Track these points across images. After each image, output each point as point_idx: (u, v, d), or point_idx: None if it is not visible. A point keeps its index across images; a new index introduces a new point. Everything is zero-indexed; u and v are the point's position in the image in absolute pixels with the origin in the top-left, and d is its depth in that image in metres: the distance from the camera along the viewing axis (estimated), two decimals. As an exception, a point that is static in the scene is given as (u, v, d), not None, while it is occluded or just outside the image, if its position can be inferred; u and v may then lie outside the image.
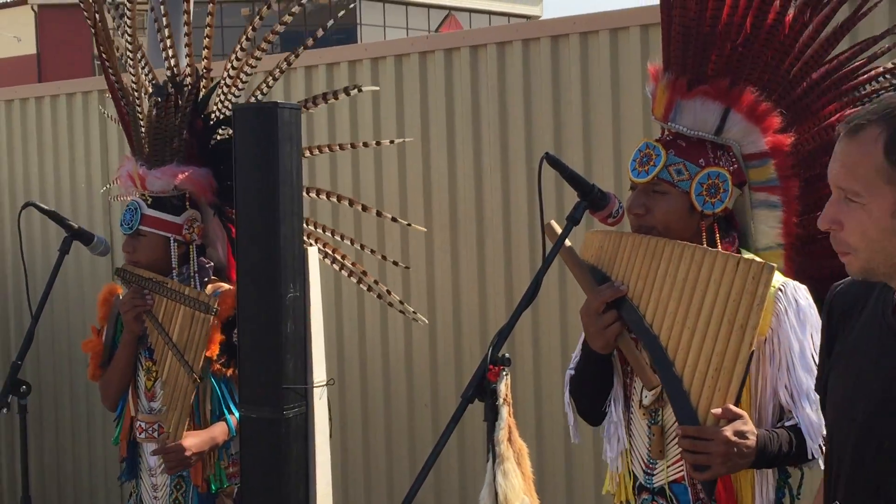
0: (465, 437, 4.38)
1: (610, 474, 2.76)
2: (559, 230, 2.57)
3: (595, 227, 2.85)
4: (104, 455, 5.42)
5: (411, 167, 4.55)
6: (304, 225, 3.51)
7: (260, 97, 3.69)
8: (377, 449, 4.73)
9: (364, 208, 3.87)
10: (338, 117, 4.73)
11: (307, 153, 3.72)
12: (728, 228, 2.67)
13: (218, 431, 3.49)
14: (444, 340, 4.53)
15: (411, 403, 4.63)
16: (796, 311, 2.47)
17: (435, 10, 38.06)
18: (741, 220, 2.71)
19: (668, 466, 2.61)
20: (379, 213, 3.91)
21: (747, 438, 2.31)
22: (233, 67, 3.64)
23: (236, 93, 3.66)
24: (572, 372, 2.76)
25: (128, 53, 3.70)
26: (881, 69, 2.73)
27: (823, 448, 2.23)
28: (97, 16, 3.66)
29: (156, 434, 3.54)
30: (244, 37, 3.64)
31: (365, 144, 3.95)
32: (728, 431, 2.30)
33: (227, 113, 3.64)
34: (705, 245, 2.56)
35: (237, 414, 3.43)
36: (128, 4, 3.71)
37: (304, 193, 3.62)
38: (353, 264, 3.86)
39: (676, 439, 2.56)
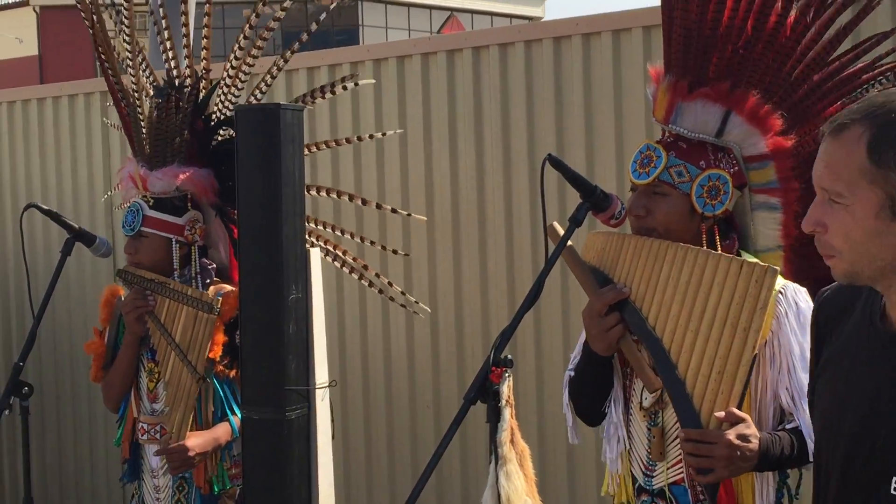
0: (468, 438, 4.37)
1: (610, 475, 2.76)
2: (561, 231, 2.57)
3: (598, 229, 2.84)
4: (106, 456, 5.42)
5: (413, 168, 4.55)
6: (306, 223, 3.51)
7: (259, 97, 3.70)
8: (379, 450, 4.73)
9: (364, 202, 3.88)
10: (340, 119, 4.73)
11: (308, 150, 3.72)
12: (728, 230, 2.67)
13: (221, 432, 3.49)
14: (446, 342, 4.52)
15: (413, 405, 4.63)
16: (797, 314, 2.47)
17: (437, 11, 38.07)
18: (741, 221, 2.71)
19: (667, 468, 2.61)
20: (379, 206, 3.93)
21: (750, 442, 2.31)
22: (232, 67, 3.65)
23: (236, 93, 3.67)
24: (572, 373, 2.76)
25: (127, 55, 3.70)
26: (884, 68, 2.72)
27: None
28: (95, 18, 3.66)
29: (158, 435, 3.54)
30: (241, 36, 3.64)
31: (371, 136, 3.96)
32: (731, 435, 2.30)
33: (228, 113, 3.64)
34: (705, 247, 2.56)
35: (240, 415, 3.43)
36: (125, 5, 3.71)
37: (307, 192, 3.63)
38: (354, 259, 3.86)
39: (676, 441, 2.56)
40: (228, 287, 3.54)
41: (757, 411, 2.50)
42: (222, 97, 3.67)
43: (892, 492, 1.71)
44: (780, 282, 2.49)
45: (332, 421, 3.47)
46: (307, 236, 3.53)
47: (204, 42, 3.69)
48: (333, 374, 3.58)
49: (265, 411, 3.27)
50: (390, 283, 4.01)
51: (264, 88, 3.69)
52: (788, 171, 2.64)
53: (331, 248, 3.83)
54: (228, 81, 3.66)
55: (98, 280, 5.28)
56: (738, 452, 2.30)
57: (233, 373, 3.49)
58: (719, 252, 2.51)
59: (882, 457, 1.73)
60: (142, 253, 3.56)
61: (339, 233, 3.90)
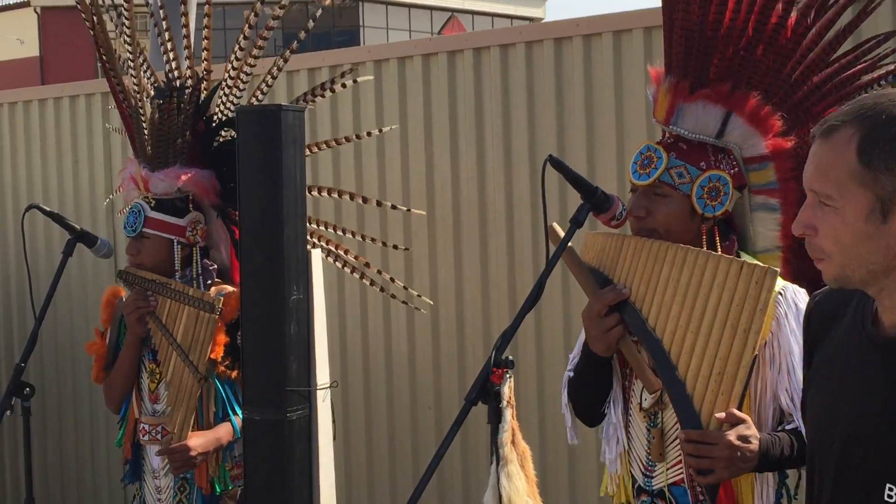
0: (469, 439, 4.37)
1: (609, 476, 2.77)
2: (561, 232, 2.58)
3: (598, 229, 2.84)
4: (107, 457, 5.43)
5: (414, 170, 4.55)
6: (307, 224, 3.52)
7: (260, 97, 3.70)
8: (380, 451, 4.73)
9: (364, 200, 3.90)
10: (341, 121, 4.73)
11: (309, 150, 3.72)
12: (727, 231, 2.68)
13: (223, 432, 3.50)
14: (447, 342, 4.53)
15: (414, 406, 4.63)
16: (796, 315, 2.47)
17: (438, 12, 38.07)
18: (740, 222, 2.72)
19: (667, 469, 2.61)
20: (379, 203, 3.95)
21: (750, 443, 2.32)
22: (233, 69, 3.65)
23: (238, 94, 3.67)
24: (571, 373, 2.76)
25: (128, 56, 3.71)
26: (884, 71, 2.72)
27: None
28: (95, 19, 3.67)
29: (159, 436, 3.55)
30: (241, 37, 3.65)
31: (370, 134, 3.97)
32: (732, 436, 2.31)
33: (230, 115, 3.65)
34: (706, 248, 2.57)
35: (241, 415, 3.43)
36: (125, 6, 3.72)
37: (308, 193, 3.64)
38: (356, 258, 3.87)
39: (676, 442, 2.57)
40: (230, 288, 3.54)
41: (757, 412, 2.50)
42: (223, 98, 3.67)
43: (886, 499, 1.69)
44: (780, 283, 2.49)
45: (334, 422, 3.47)
46: (308, 237, 3.53)
47: (205, 43, 3.69)
48: (334, 375, 3.58)
49: (266, 412, 3.27)
50: (392, 279, 4.02)
51: (265, 89, 3.70)
52: (788, 172, 2.64)
53: (332, 249, 3.84)
54: (230, 83, 3.66)
55: (99, 281, 5.28)
56: (739, 453, 2.30)
57: (234, 373, 3.50)
58: (719, 253, 2.51)
59: (875, 464, 1.71)
60: (143, 254, 3.56)
61: (340, 232, 3.90)
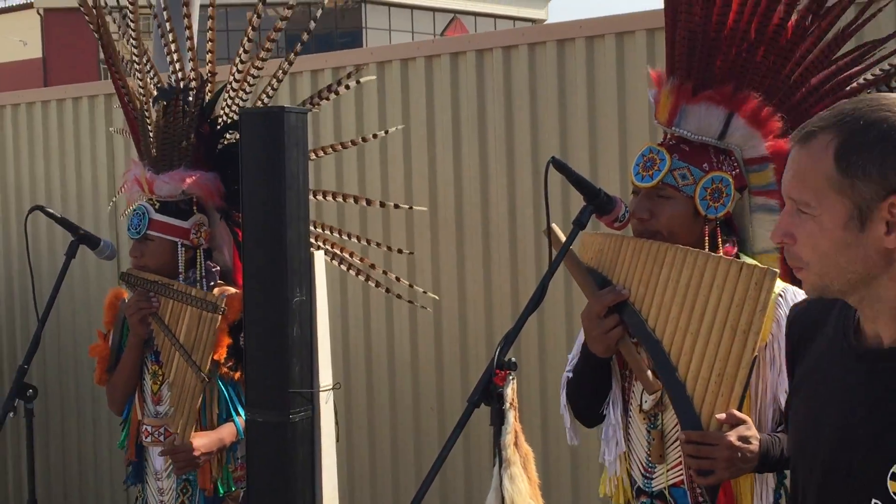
0: (471, 441, 4.37)
1: (608, 478, 2.77)
2: (561, 234, 2.58)
3: (601, 231, 2.84)
4: (110, 458, 5.43)
5: (417, 171, 4.55)
6: (311, 227, 3.52)
7: (266, 101, 3.70)
8: (383, 453, 4.73)
9: (368, 202, 3.89)
10: (343, 122, 4.73)
11: (313, 155, 3.73)
12: (728, 232, 2.68)
13: (226, 433, 3.50)
14: (449, 344, 4.53)
15: (417, 407, 4.63)
16: None
17: (440, 13, 38.08)
18: (739, 223, 2.72)
19: (667, 470, 2.61)
20: (382, 204, 3.95)
21: (751, 443, 2.32)
22: (238, 71, 3.65)
23: (243, 97, 3.67)
24: (570, 374, 2.76)
25: (133, 58, 3.71)
26: (880, 75, 2.72)
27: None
28: (99, 21, 3.66)
29: (162, 438, 3.55)
30: (245, 39, 3.65)
31: (375, 136, 3.97)
32: (732, 437, 2.31)
33: (234, 117, 3.65)
34: (707, 249, 2.57)
35: (244, 416, 3.44)
36: (130, 9, 3.71)
37: (313, 196, 3.64)
38: (361, 260, 3.87)
39: (676, 443, 2.57)
40: (232, 290, 3.55)
41: (757, 413, 2.50)
42: (228, 101, 3.67)
43: None
44: (780, 285, 2.49)
45: (336, 423, 3.47)
46: (312, 241, 3.53)
47: (209, 45, 3.70)
48: (337, 377, 3.58)
49: (269, 414, 3.27)
50: (398, 279, 4.02)
51: (270, 93, 3.70)
52: (787, 173, 2.64)
53: (337, 252, 3.84)
54: (235, 85, 3.66)
55: (102, 283, 5.28)
56: (739, 454, 2.30)
57: (237, 375, 3.50)
58: (719, 254, 2.52)
59: (859, 478, 1.67)
60: (147, 256, 3.57)
61: (345, 237, 3.90)
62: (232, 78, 3.66)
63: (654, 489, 2.63)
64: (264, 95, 3.70)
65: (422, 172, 4.54)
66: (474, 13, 38.21)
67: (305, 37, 3.64)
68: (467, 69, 4.43)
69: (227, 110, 3.68)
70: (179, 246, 3.56)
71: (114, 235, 5.25)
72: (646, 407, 2.63)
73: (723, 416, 2.33)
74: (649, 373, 2.55)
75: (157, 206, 3.57)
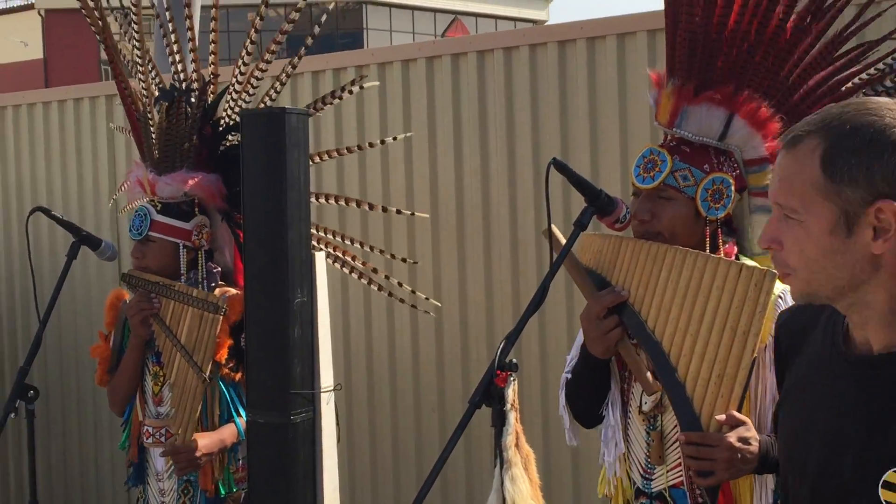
0: (472, 442, 4.37)
1: (607, 479, 2.77)
2: (561, 236, 2.58)
3: (602, 231, 2.84)
4: (111, 459, 5.43)
5: (418, 172, 4.55)
6: (312, 231, 3.52)
7: (269, 103, 3.70)
8: (384, 454, 4.73)
9: (371, 207, 3.89)
10: (345, 124, 4.73)
11: (314, 159, 3.73)
12: (728, 233, 2.68)
13: (227, 433, 3.50)
14: (451, 345, 4.53)
15: (418, 408, 4.63)
16: None
17: (441, 14, 38.07)
18: (738, 224, 2.72)
19: (667, 471, 2.62)
20: (384, 209, 3.93)
21: (750, 444, 2.32)
22: (241, 73, 3.65)
23: (247, 98, 3.67)
24: (569, 375, 2.76)
25: (136, 60, 3.71)
26: (875, 76, 2.72)
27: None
28: (100, 23, 3.66)
29: (163, 439, 3.55)
30: (248, 41, 3.65)
31: (370, 145, 3.96)
32: (732, 438, 2.31)
33: (237, 119, 3.65)
34: (708, 250, 2.57)
35: (246, 417, 3.44)
36: (133, 10, 3.71)
37: (314, 199, 3.64)
38: (363, 264, 3.87)
39: (675, 445, 2.58)
40: (234, 290, 3.55)
41: (756, 414, 2.50)
42: (231, 103, 3.67)
43: None
44: (780, 286, 2.49)
45: (337, 424, 3.47)
46: (314, 243, 3.53)
47: (212, 47, 3.69)
48: (338, 378, 3.58)
49: (270, 415, 3.27)
50: (400, 284, 4.02)
51: (274, 95, 3.70)
52: (786, 174, 2.64)
53: (339, 255, 3.84)
54: (238, 87, 3.66)
55: (103, 284, 5.29)
56: (739, 455, 2.30)
57: (238, 376, 3.50)
58: (718, 256, 2.52)
59: (850, 486, 1.65)
60: (149, 257, 3.57)
61: (347, 241, 3.90)
62: (234, 80, 3.66)
63: (653, 490, 2.64)
64: (267, 98, 3.70)
65: (423, 173, 4.54)
66: (475, 14, 38.19)
67: (310, 41, 3.64)
68: (468, 70, 4.43)
69: (229, 112, 3.67)
70: (181, 247, 3.57)
71: (115, 236, 5.25)
72: (645, 408, 2.63)
73: (723, 417, 2.34)
74: (649, 374, 2.55)
75: (158, 208, 3.57)
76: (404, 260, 4.14)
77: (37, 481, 3.79)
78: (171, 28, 3.76)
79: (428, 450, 4.58)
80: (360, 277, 3.91)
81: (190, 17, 3.78)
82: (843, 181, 1.59)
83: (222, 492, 3.52)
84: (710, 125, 2.62)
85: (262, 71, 3.66)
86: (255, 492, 3.34)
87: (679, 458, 2.56)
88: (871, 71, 2.74)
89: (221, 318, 3.45)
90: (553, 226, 2.59)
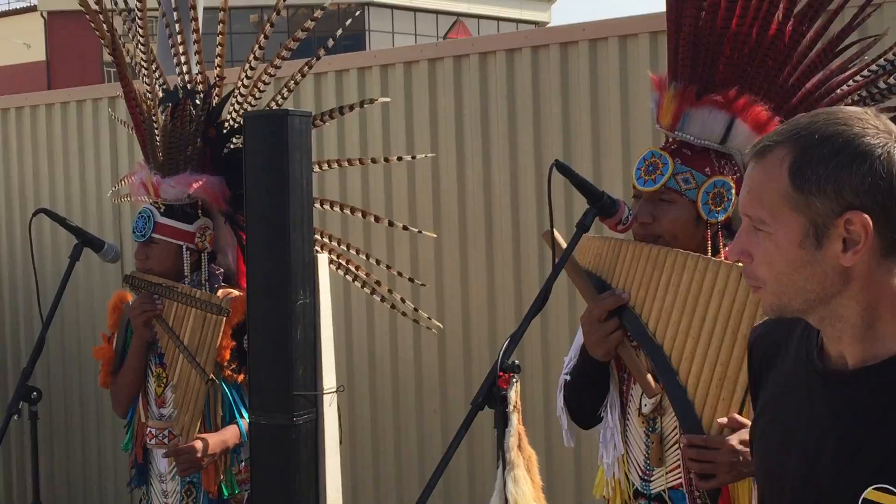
0: (475, 443, 4.38)
1: (605, 480, 2.77)
2: (559, 237, 2.58)
3: (604, 233, 2.84)
4: (114, 460, 5.43)
5: (420, 173, 4.56)
6: (316, 236, 3.52)
7: (274, 107, 3.70)
8: (386, 455, 4.73)
9: (377, 219, 3.88)
10: (347, 124, 4.73)
11: (317, 167, 3.72)
12: (729, 236, 2.68)
13: (229, 435, 3.50)
14: (453, 346, 4.53)
15: (420, 410, 4.63)
16: None
17: (443, 16, 38.08)
18: (737, 227, 2.72)
19: (666, 473, 2.62)
20: (391, 223, 3.92)
21: None
22: (247, 77, 3.64)
23: (252, 102, 3.67)
24: (567, 377, 2.77)
25: (141, 62, 3.71)
26: (861, 81, 2.72)
27: None
28: (105, 26, 3.66)
29: (166, 440, 3.55)
30: (257, 46, 3.64)
31: (373, 161, 3.95)
32: (734, 441, 2.32)
33: (241, 122, 3.65)
34: (709, 253, 2.57)
35: (248, 419, 3.44)
36: (138, 13, 3.71)
37: (319, 205, 3.63)
38: (367, 275, 3.87)
39: (674, 447, 2.58)
40: (236, 292, 3.55)
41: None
42: (236, 106, 3.67)
43: None
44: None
45: (340, 426, 3.47)
46: (317, 247, 3.53)
47: (218, 49, 3.69)
48: (341, 380, 3.59)
49: (273, 416, 3.27)
50: (403, 300, 4.02)
51: (280, 101, 3.70)
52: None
53: (343, 262, 3.84)
54: (244, 91, 3.65)
55: (106, 285, 5.29)
56: (741, 458, 2.31)
57: (240, 377, 3.50)
58: (719, 259, 2.52)
59: None
60: (152, 259, 3.57)
61: (353, 251, 3.90)
62: (240, 83, 3.65)
63: (652, 492, 2.64)
64: (273, 104, 3.69)
65: (425, 174, 4.54)
66: (477, 16, 38.20)
67: (322, 53, 3.64)
68: (470, 72, 4.43)
69: (234, 115, 3.67)
70: (184, 249, 3.57)
71: (117, 238, 5.26)
72: (645, 411, 2.63)
73: (724, 420, 2.34)
74: (649, 376, 2.56)
75: (162, 210, 3.57)
76: (411, 280, 4.12)
77: (40, 483, 3.80)
78: (177, 29, 3.76)
79: (430, 451, 4.59)
80: (363, 286, 3.91)
81: (196, 18, 3.77)
82: (812, 192, 1.56)
83: (225, 493, 3.52)
84: (712, 128, 2.62)
85: (271, 75, 3.66)
86: (258, 493, 3.35)
87: (678, 460, 2.56)
88: (865, 73, 2.74)
89: (224, 319, 3.45)
90: (553, 229, 2.60)
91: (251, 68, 3.64)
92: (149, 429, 3.59)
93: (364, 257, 3.95)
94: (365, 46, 33.70)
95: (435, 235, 4.32)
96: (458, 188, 4.47)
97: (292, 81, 3.67)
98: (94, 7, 3.65)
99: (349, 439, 4.61)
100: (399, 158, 3.96)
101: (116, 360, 3.66)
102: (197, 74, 3.68)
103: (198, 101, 3.62)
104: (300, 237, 3.27)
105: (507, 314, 4.37)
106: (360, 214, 3.87)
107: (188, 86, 3.67)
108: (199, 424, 3.46)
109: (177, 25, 3.76)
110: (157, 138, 3.62)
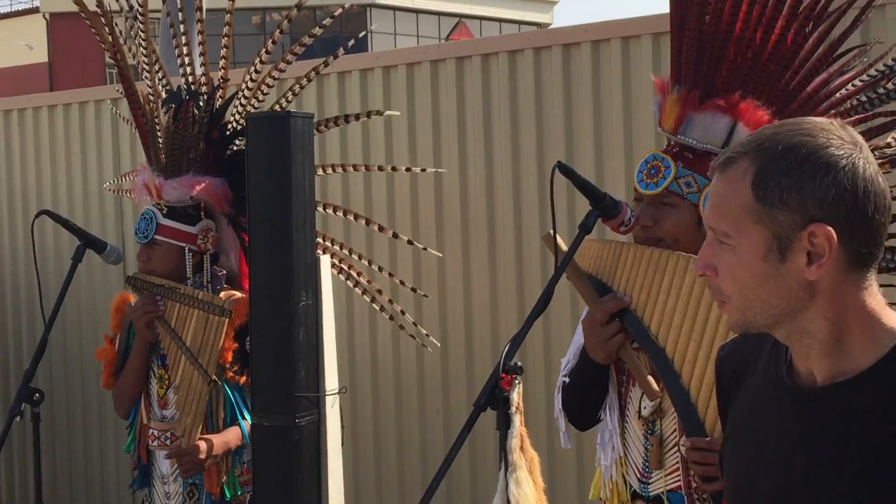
0: (477, 445, 4.37)
1: (602, 482, 2.77)
2: (560, 240, 2.58)
3: (607, 235, 2.84)
4: (116, 462, 5.44)
5: (422, 175, 4.55)
6: (319, 240, 3.52)
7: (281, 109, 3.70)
8: (389, 457, 4.73)
9: (381, 229, 3.88)
10: (350, 125, 4.72)
11: (320, 171, 3.72)
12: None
13: (231, 436, 3.50)
14: (455, 348, 4.53)
15: (423, 411, 4.63)
16: None
17: (445, 17, 38.08)
18: None
19: (665, 475, 2.62)
20: (395, 235, 3.91)
21: None
22: (251, 80, 3.64)
23: (256, 104, 3.67)
24: (565, 379, 2.76)
25: (143, 63, 3.70)
26: (860, 86, 2.72)
27: None
28: (106, 29, 3.66)
29: (168, 442, 3.55)
30: (264, 50, 3.64)
31: (380, 168, 3.94)
32: None
33: (244, 123, 3.64)
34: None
35: (250, 420, 3.44)
36: (139, 12, 3.71)
37: (321, 209, 3.63)
38: (368, 282, 3.87)
39: (674, 449, 2.58)
40: (239, 294, 3.55)
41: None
42: (240, 108, 3.66)
43: None
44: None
45: (342, 427, 3.47)
46: (319, 249, 3.53)
47: (223, 52, 3.68)
48: (343, 381, 3.59)
49: (275, 418, 3.27)
50: (403, 312, 4.02)
51: (284, 104, 3.70)
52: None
53: (344, 267, 3.83)
54: (248, 93, 3.65)
55: (108, 287, 5.29)
56: None
57: (243, 379, 3.50)
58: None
59: None
60: (154, 261, 3.57)
61: (355, 257, 3.90)
62: (245, 85, 3.65)
63: (650, 494, 2.64)
64: (277, 106, 3.69)
65: (427, 176, 4.54)
66: (479, 17, 38.20)
67: (331, 59, 3.64)
68: (472, 73, 4.43)
69: (237, 117, 3.67)
70: (187, 251, 3.57)
71: (120, 240, 5.26)
72: (645, 413, 2.63)
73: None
74: (651, 379, 2.56)
75: (164, 211, 3.57)
76: (414, 290, 4.12)
77: (42, 484, 3.80)
78: (182, 30, 3.76)
79: (432, 453, 4.58)
80: (363, 293, 3.91)
81: (201, 20, 3.76)
82: (775, 204, 1.53)
83: (227, 495, 3.52)
84: (715, 132, 2.62)
85: (275, 79, 3.66)
86: (260, 494, 3.35)
87: (677, 462, 2.57)
88: (864, 78, 2.73)
89: (227, 320, 3.45)
90: (552, 231, 2.60)
91: (256, 71, 3.64)
92: (151, 430, 3.59)
93: (366, 263, 3.94)
94: (367, 48, 33.71)
95: (440, 254, 4.32)
96: (461, 189, 4.47)
97: (297, 86, 3.67)
98: (95, 10, 3.65)
99: (351, 441, 4.61)
100: (408, 169, 3.97)
101: (119, 361, 3.66)
102: (201, 76, 3.68)
103: (201, 103, 3.62)
104: (302, 238, 3.27)
105: (510, 316, 4.37)
106: (363, 223, 3.87)
107: (192, 87, 3.67)
108: (201, 426, 3.46)
109: (181, 26, 3.75)
110: (160, 140, 3.62)
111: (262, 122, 3.36)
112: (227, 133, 3.68)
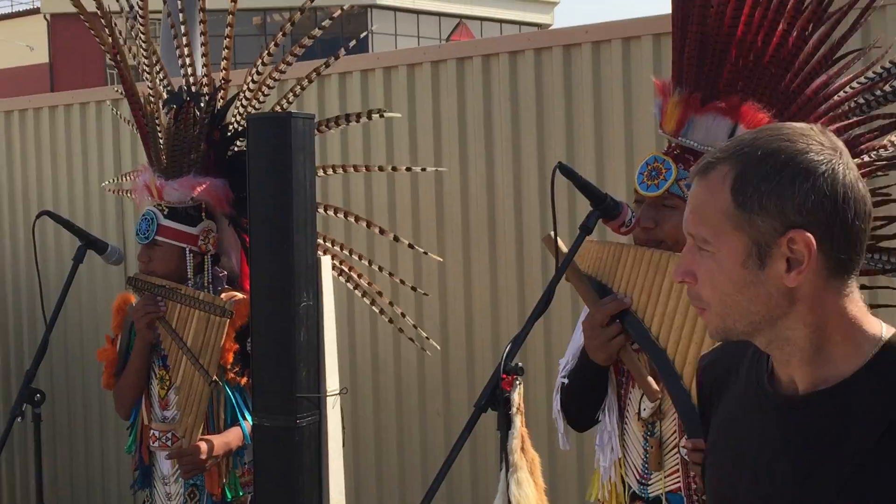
0: (478, 445, 4.38)
1: (601, 483, 2.77)
2: (560, 242, 2.58)
3: (608, 236, 2.84)
4: (117, 463, 5.44)
5: (423, 176, 4.55)
6: (320, 241, 3.52)
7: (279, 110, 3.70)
8: (389, 457, 4.73)
9: (382, 231, 3.88)
10: (350, 126, 4.72)
11: (321, 172, 3.72)
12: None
13: (232, 437, 3.51)
14: (456, 349, 4.53)
15: (424, 412, 4.63)
16: None
17: (446, 18, 38.07)
18: None
19: (665, 477, 2.62)
20: (396, 239, 3.91)
21: None
22: (253, 81, 3.64)
23: (257, 105, 3.67)
24: (564, 380, 2.76)
25: (144, 63, 3.71)
26: (858, 88, 2.72)
27: None
28: (106, 30, 3.66)
29: (169, 442, 3.56)
30: (266, 52, 3.64)
31: (380, 168, 3.95)
32: None
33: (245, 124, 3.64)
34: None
35: (251, 421, 3.44)
36: (139, 12, 3.71)
37: (322, 210, 3.63)
38: (369, 283, 3.87)
39: (673, 451, 2.58)
40: (240, 295, 3.55)
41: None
42: (241, 109, 3.67)
43: None
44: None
45: (343, 428, 3.47)
46: (322, 253, 3.53)
47: (225, 52, 3.68)
48: (344, 382, 3.59)
49: (276, 418, 3.27)
50: (403, 314, 4.02)
51: (285, 105, 3.70)
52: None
53: (345, 269, 3.83)
54: (249, 94, 3.65)
55: (109, 287, 5.29)
56: None
57: (243, 380, 3.51)
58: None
59: None
60: (155, 261, 3.57)
61: (356, 257, 3.90)
62: (246, 87, 3.65)
63: (650, 495, 2.64)
64: (278, 107, 3.69)
65: (428, 177, 4.54)
66: (480, 18, 38.19)
67: (332, 60, 3.64)
68: (473, 74, 4.43)
69: (238, 118, 3.67)
70: (187, 252, 3.57)
71: (121, 240, 5.26)
72: (644, 415, 2.63)
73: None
74: (651, 380, 2.56)
75: (165, 212, 3.57)
76: (414, 289, 4.12)
77: (43, 485, 3.80)
78: (182, 31, 3.76)
79: (433, 453, 4.58)
80: (363, 296, 3.91)
81: (204, 21, 3.77)
82: (754, 210, 1.52)
83: (228, 495, 3.52)
84: (716, 135, 2.62)
85: (276, 80, 3.66)
86: (261, 495, 3.35)
87: (677, 463, 2.57)
88: (862, 80, 2.73)
89: (227, 321, 3.46)
90: (552, 232, 2.60)
91: (258, 72, 3.64)
92: (152, 431, 3.60)
93: (367, 263, 3.94)
94: (368, 49, 33.71)
95: (441, 259, 4.32)
96: (462, 190, 4.47)
97: (298, 87, 3.67)
98: (94, 11, 3.65)
99: (352, 441, 4.61)
100: (408, 168, 3.96)
101: (120, 361, 3.66)
102: (202, 77, 3.68)
103: (202, 104, 3.62)
104: (303, 239, 3.28)
105: (511, 316, 4.37)
106: (364, 224, 3.87)
107: (193, 88, 3.67)
108: (202, 427, 3.47)
109: (182, 27, 3.75)
110: (161, 141, 3.62)
111: (263, 122, 3.36)
112: (229, 134, 3.68)
